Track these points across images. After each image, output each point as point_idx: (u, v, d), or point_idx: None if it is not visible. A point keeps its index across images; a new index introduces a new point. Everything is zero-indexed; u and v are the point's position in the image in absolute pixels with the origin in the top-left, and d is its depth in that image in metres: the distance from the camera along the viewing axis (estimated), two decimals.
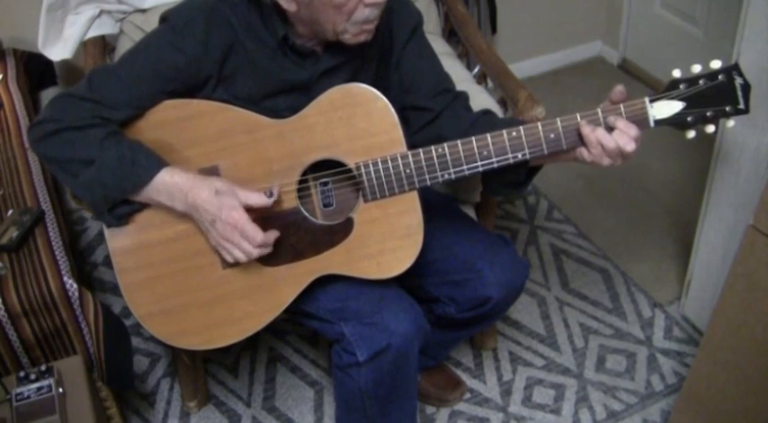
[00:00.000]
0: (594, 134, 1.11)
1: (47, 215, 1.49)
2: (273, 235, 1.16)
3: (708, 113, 1.11)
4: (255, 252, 1.14)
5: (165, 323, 1.24)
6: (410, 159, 1.17)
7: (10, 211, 1.49)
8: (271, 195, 1.15)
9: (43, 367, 1.30)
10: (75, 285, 1.36)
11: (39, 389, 1.27)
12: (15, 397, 1.26)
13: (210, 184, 1.13)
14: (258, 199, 1.14)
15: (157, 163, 1.15)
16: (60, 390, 1.28)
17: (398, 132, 1.18)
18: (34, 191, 1.56)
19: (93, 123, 1.15)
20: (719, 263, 1.69)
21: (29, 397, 1.26)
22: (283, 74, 1.23)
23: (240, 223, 1.11)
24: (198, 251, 1.22)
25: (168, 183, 1.14)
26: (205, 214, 1.14)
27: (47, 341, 1.39)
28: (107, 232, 1.22)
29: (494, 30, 2.47)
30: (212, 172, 1.19)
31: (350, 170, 1.20)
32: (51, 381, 1.28)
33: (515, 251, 1.42)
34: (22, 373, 1.30)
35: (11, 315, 1.32)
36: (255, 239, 1.12)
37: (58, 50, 1.72)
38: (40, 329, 1.37)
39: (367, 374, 1.29)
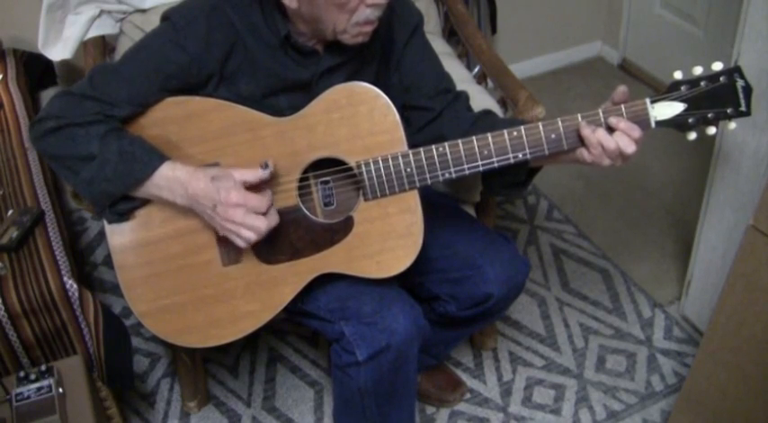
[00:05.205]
0: (595, 135, 1.11)
1: (47, 215, 1.49)
2: (268, 196, 1.14)
3: (709, 115, 1.11)
4: (264, 225, 1.12)
5: (164, 321, 1.24)
6: (411, 158, 1.17)
7: (10, 211, 1.48)
8: (266, 167, 1.14)
9: (43, 367, 1.30)
10: (75, 285, 1.35)
11: (39, 389, 1.27)
12: (15, 397, 1.26)
13: (206, 173, 1.13)
14: (253, 174, 1.13)
15: (159, 157, 1.15)
16: (60, 390, 1.28)
17: (400, 131, 1.18)
18: (34, 191, 1.56)
19: (95, 120, 1.15)
20: (719, 263, 1.69)
21: (29, 397, 1.26)
22: (285, 72, 1.23)
23: (241, 200, 1.10)
24: (198, 249, 1.22)
25: (169, 177, 1.14)
26: (205, 201, 1.13)
27: (47, 341, 1.39)
28: (107, 229, 1.22)
29: (494, 30, 2.47)
30: None
31: (350, 169, 1.20)
32: (51, 381, 1.28)
33: (516, 249, 1.42)
34: (21, 373, 1.30)
35: (11, 315, 1.32)
36: (262, 206, 1.11)
37: (58, 51, 1.71)
38: (40, 329, 1.37)
39: (366, 374, 1.29)
